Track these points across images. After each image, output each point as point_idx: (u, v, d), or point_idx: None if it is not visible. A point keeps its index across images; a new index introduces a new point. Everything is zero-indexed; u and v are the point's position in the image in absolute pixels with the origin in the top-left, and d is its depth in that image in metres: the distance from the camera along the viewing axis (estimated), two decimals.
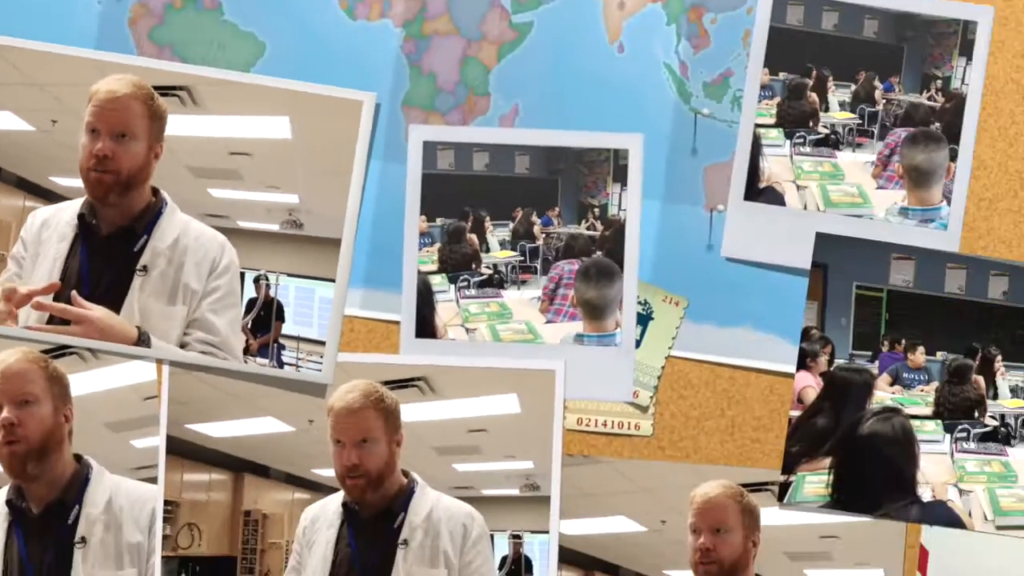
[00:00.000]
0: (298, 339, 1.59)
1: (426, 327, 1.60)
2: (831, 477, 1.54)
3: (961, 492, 1.59)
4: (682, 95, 1.59)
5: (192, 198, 1.59)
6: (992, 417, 1.62)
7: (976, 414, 1.60)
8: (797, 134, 1.61)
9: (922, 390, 1.61)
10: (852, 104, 1.61)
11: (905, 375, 1.61)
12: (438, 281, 1.61)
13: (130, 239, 1.42)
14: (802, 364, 1.60)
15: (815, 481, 1.55)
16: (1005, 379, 1.63)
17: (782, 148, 1.60)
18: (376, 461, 1.42)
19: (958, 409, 1.61)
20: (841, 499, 1.55)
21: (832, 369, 1.61)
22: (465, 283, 1.61)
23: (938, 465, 1.60)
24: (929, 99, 1.60)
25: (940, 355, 1.62)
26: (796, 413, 1.60)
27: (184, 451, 1.49)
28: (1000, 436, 1.62)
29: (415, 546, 1.44)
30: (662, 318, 1.60)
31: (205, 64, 1.59)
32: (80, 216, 1.39)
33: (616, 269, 1.59)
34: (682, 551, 1.45)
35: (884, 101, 1.61)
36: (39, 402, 1.37)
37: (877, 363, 1.62)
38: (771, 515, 1.49)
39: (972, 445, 1.60)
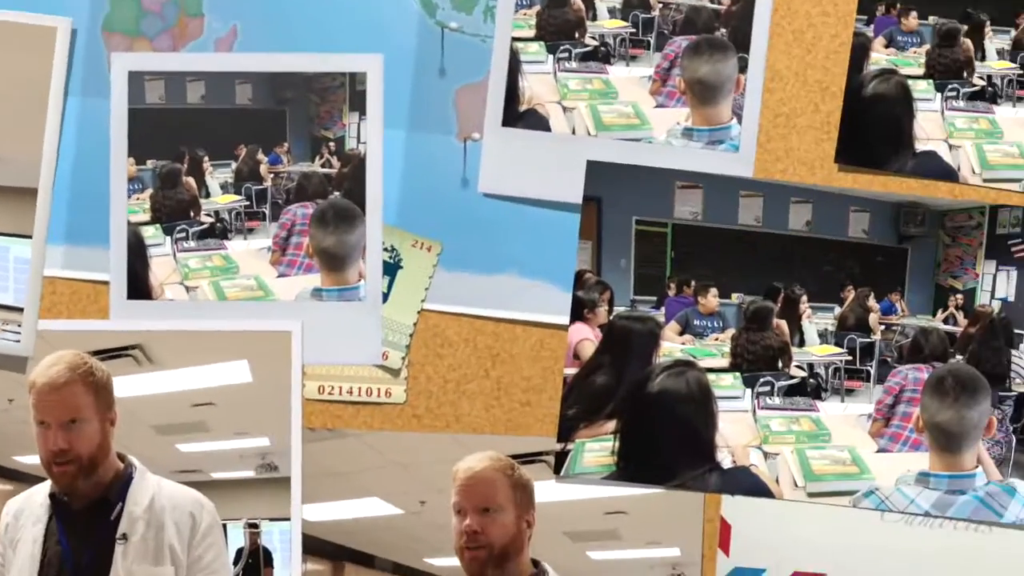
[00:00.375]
0: None
1: (139, 287, 1.40)
2: (616, 443, 1.34)
3: (766, 455, 1.39)
4: (426, 7, 1.39)
5: None
6: (799, 367, 1.42)
7: (780, 364, 1.40)
8: (561, 48, 1.40)
9: (717, 339, 1.41)
10: (624, 11, 1.40)
11: (696, 322, 1.41)
12: (151, 233, 1.41)
13: None
14: (577, 314, 1.40)
15: (597, 449, 1.35)
16: (812, 322, 1.42)
17: (544, 64, 1.40)
18: (87, 444, 1.23)
19: (759, 359, 1.40)
20: (628, 468, 1.34)
21: (612, 318, 1.41)
22: (183, 234, 1.41)
23: (738, 425, 1.40)
24: (713, 1, 1.39)
25: (736, 297, 1.42)
26: (572, 371, 1.40)
27: None
28: (809, 389, 1.42)
29: (136, 540, 1.24)
30: (412, 266, 1.39)
31: None
32: None
33: (357, 212, 1.39)
34: (445, 535, 1.24)
35: (661, 5, 1.39)
36: None
37: (663, 309, 1.42)
38: (547, 490, 1.32)
39: (777, 400, 1.40)
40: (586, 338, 1.38)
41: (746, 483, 1.37)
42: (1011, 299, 1.40)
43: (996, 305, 1.41)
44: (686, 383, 1.37)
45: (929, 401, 1.34)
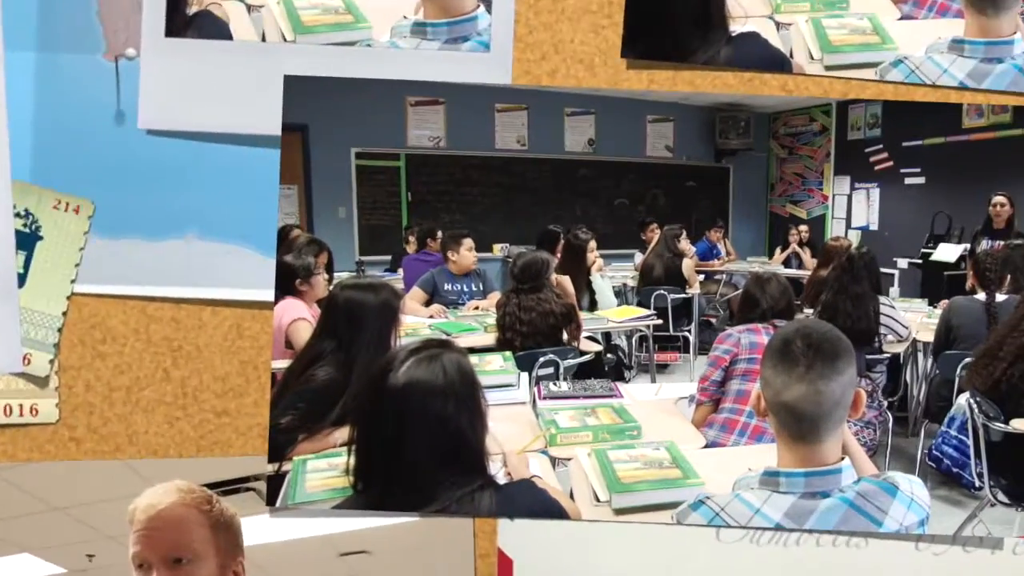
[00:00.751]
0: None
1: None
2: (350, 459, 1.01)
3: (555, 461, 1.05)
4: None
5: None
6: (592, 339, 1.07)
7: (565, 336, 1.05)
8: None
9: (477, 307, 1.07)
10: None
11: (447, 286, 1.08)
12: None
13: None
14: (286, 287, 1.05)
15: (324, 468, 1.07)
16: (606, 276, 1.07)
17: None
18: None
19: (537, 332, 1.07)
20: (369, 492, 1.01)
21: (332, 289, 1.07)
22: None
23: (515, 423, 1.08)
24: None
25: (499, 249, 1.08)
26: (283, 364, 1.10)
27: None
28: (607, 367, 1.07)
29: None
30: (56, 235, 1.05)
31: None
32: None
33: None
34: None
35: None
36: None
37: (401, 272, 1.06)
38: (259, 527, 1.01)
39: (564, 386, 1.06)
40: (300, 318, 1.04)
41: (529, 502, 1.05)
42: (874, 227, 1.05)
43: (854, 237, 1.06)
44: (441, 371, 1.03)
45: (772, 373, 0.98)
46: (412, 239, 1.05)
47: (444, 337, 1.06)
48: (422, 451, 1.01)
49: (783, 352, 0.98)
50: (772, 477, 0.98)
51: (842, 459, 0.99)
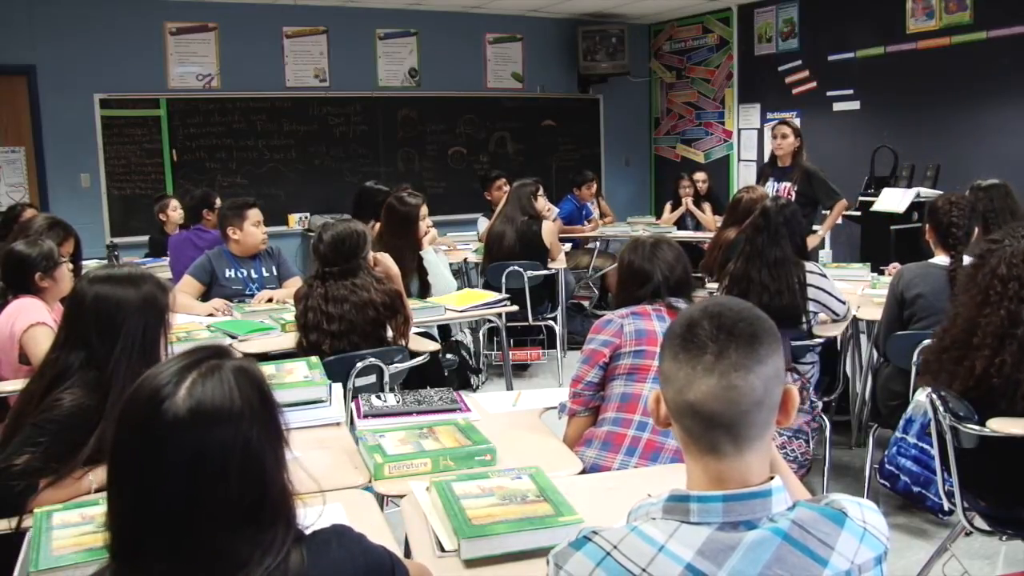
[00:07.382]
0: None
1: None
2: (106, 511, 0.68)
3: (383, 501, 0.81)
4: None
5: None
6: (426, 335, 0.85)
7: (389, 332, 0.83)
8: None
9: (270, 299, 0.81)
10: None
11: (229, 273, 0.83)
12: None
13: None
14: (19, 283, 0.90)
15: (76, 522, 0.78)
16: (440, 251, 0.84)
17: None
18: None
19: (351, 329, 0.84)
20: (138, 566, 0.75)
21: (78, 284, 0.87)
22: None
23: (329, 450, 0.80)
24: None
25: (296, 220, 0.83)
26: (15, 386, 0.88)
27: None
28: (448, 370, 0.83)
29: None
30: None
31: None
32: None
33: None
34: None
35: None
36: None
37: (167, 258, 0.82)
38: None
39: (390, 399, 0.85)
40: (39, 322, 0.79)
41: (351, 561, 0.75)
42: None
43: (769, 185, 0.80)
44: (235, 388, 0.74)
45: (673, 366, 0.73)
46: (177, 212, 0.81)
47: (215, 343, 0.80)
48: (222, 505, 0.74)
49: (686, 337, 0.72)
50: (680, 503, 0.72)
51: (771, 478, 0.74)
